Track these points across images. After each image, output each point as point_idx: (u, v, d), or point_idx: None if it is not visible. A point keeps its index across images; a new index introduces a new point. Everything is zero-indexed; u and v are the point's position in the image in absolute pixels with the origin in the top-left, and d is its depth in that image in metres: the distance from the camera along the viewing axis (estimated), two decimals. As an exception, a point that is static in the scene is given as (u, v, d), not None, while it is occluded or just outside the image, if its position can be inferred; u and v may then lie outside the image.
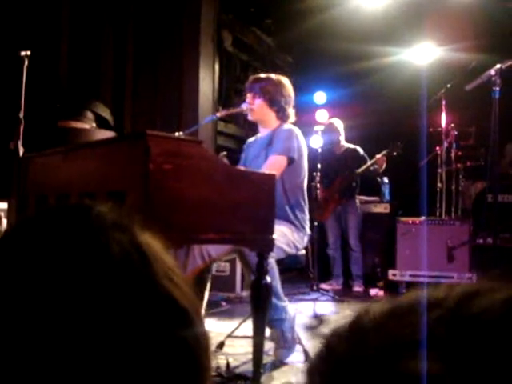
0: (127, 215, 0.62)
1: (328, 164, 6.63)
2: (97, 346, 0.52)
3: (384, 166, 6.58)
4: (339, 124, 6.91)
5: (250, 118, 3.84)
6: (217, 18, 7.39)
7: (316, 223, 6.17)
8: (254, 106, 3.75)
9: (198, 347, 0.57)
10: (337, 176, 6.71)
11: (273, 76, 3.85)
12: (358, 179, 6.75)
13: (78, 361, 0.51)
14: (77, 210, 0.61)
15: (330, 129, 6.84)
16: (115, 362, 0.52)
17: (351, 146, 6.91)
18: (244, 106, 3.79)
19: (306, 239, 3.74)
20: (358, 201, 6.87)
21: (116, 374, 0.52)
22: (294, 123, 3.89)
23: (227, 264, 5.75)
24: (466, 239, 5.91)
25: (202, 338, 0.59)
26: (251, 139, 4.02)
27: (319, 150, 6.53)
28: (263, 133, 3.85)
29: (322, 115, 8.37)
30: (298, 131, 3.69)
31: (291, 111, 3.84)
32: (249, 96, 3.80)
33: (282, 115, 3.78)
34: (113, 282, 0.54)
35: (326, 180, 6.69)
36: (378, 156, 6.52)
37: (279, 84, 3.79)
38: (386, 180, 7.24)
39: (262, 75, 3.90)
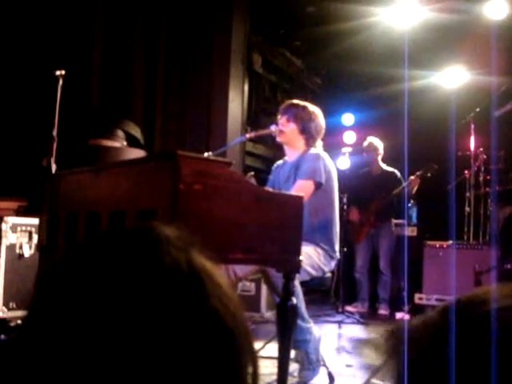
0: (188, 238, 0.65)
1: (364, 186, 6.57)
2: (136, 357, 0.54)
3: (416, 187, 6.50)
4: (379, 143, 6.82)
5: (278, 139, 3.87)
6: (247, 40, 7.46)
7: (345, 248, 6.15)
8: (285, 129, 3.79)
9: (240, 366, 0.59)
10: (373, 198, 6.59)
11: (308, 105, 3.90)
12: (396, 202, 6.64)
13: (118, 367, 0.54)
14: (140, 229, 0.65)
15: (368, 149, 6.80)
16: (156, 374, 0.54)
17: (389, 168, 6.81)
18: (273, 128, 3.82)
19: (333, 263, 3.73)
20: (393, 224, 6.79)
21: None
22: (322, 145, 3.92)
23: (252, 284, 5.74)
24: (493, 264, 5.84)
25: (247, 359, 0.61)
26: (280, 162, 4.04)
27: (352, 172, 6.52)
28: (291, 156, 3.88)
29: (349, 137, 8.37)
30: (325, 155, 3.72)
31: (319, 143, 3.89)
32: (282, 119, 3.83)
33: (311, 143, 3.82)
34: (161, 292, 0.57)
35: (362, 202, 6.63)
36: (411, 177, 6.45)
37: (313, 114, 3.84)
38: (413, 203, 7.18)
39: (299, 102, 3.92)
